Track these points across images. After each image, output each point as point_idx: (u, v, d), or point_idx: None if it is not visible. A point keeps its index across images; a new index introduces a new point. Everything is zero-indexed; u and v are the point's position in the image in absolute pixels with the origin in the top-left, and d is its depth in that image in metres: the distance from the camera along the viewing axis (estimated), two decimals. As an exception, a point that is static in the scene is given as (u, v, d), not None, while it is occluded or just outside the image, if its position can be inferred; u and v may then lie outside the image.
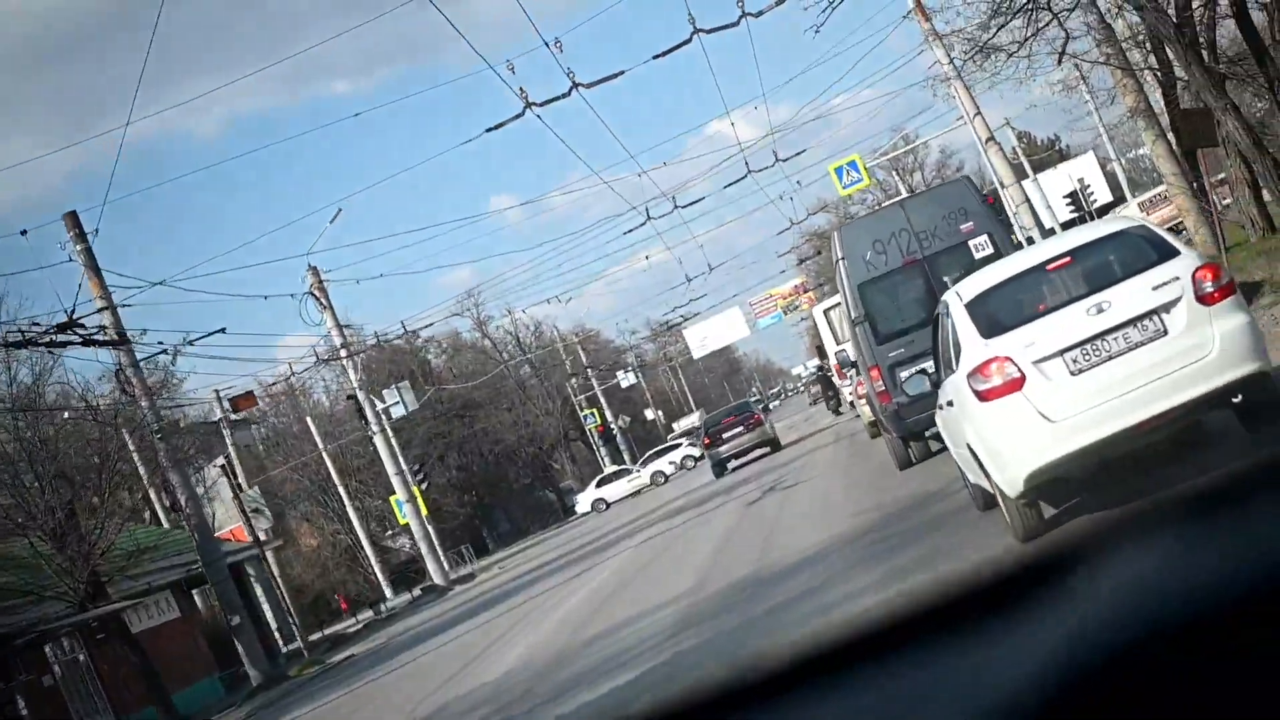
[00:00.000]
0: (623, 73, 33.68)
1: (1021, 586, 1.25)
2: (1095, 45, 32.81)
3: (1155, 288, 10.29)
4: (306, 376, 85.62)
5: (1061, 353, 10.26)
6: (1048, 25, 29.11)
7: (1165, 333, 10.16)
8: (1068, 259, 11.15)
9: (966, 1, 30.08)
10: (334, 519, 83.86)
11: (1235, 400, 10.49)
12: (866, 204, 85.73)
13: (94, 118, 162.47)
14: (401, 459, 56.89)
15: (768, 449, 50.12)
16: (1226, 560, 1.14)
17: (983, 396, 10.49)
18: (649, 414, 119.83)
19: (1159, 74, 32.17)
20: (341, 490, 72.54)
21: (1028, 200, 47.63)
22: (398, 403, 60.23)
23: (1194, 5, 27.27)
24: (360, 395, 56.05)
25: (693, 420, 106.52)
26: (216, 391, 53.33)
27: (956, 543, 12.49)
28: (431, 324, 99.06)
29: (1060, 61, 30.14)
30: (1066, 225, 73.15)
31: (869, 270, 21.26)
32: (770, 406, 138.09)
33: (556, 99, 32.09)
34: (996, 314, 11.01)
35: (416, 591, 59.42)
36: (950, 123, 52.23)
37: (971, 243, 20.76)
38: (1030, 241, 49.19)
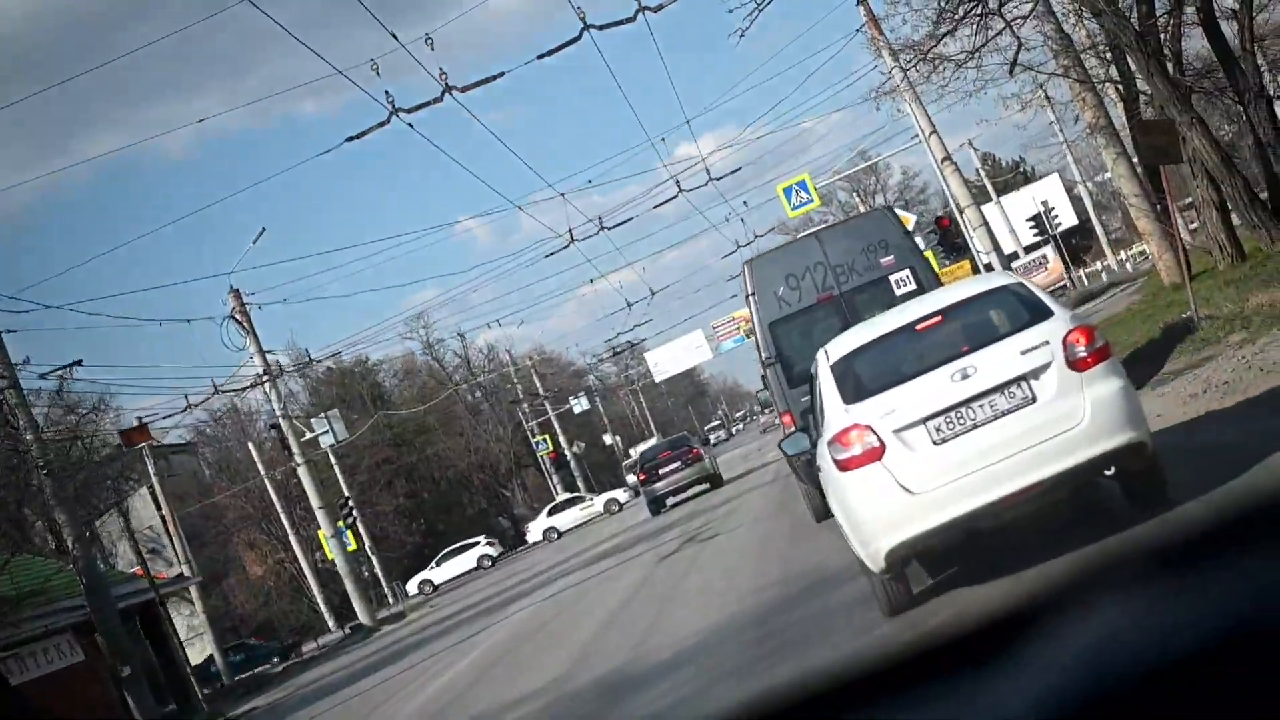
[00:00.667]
0: (502, 74, 30.85)
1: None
2: (1053, 56, 30.13)
3: (1024, 352, 9.93)
4: (239, 401, 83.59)
5: (924, 420, 9.91)
6: (1000, 34, 26.66)
7: (1034, 400, 9.81)
8: (938, 318, 10.77)
9: (914, 9, 27.31)
10: (279, 547, 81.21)
11: (1108, 473, 10.21)
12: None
13: (62, 139, 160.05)
14: (317, 494, 53.70)
15: (707, 485, 46.89)
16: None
17: (842, 466, 10.14)
18: (607, 439, 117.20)
19: (1120, 86, 29.61)
20: (284, 518, 69.57)
21: (985, 224, 45.16)
22: (326, 432, 57.33)
23: (1158, 13, 24.82)
24: (283, 424, 52.90)
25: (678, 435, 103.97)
26: (134, 427, 49.65)
27: (848, 627, 11.37)
28: (358, 346, 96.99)
29: (1012, 72, 27.40)
30: (1030, 248, 71.51)
31: (781, 307, 19.69)
32: (717, 437, 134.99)
33: (427, 104, 29.22)
34: (861, 377, 10.66)
35: (347, 630, 56.51)
36: (909, 142, 49.04)
37: (892, 278, 19.43)
38: (989, 268, 47.63)
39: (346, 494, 60.89)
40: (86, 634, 43.92)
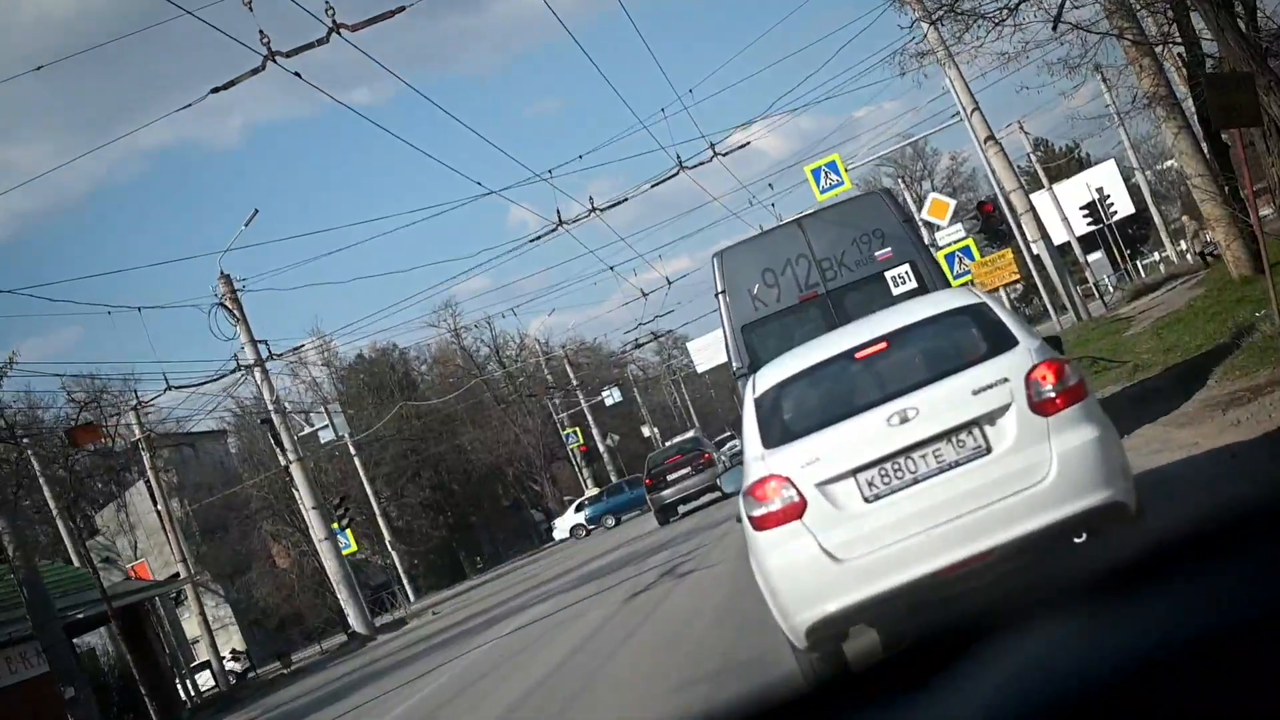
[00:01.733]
0: (401, 9, 26.94)
1: None
2: (1105, 15, 26.15)
3: (978, 391, 8.65)
4: (225, 395, 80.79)
5: (853, 472, 8.67)
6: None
7: (987, 450, 8.55)
8: (882, 344, 9.45)
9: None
10: (302, 539, 78.11)
11: (1078, 539, 8.53)
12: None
13: (111, 125, 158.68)
14: (311, 494, 50.18)
15: (719, 493, 42.93)
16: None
17: (757, 524, 8.90)
18: (646, 430, 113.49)
19: (1182, 49, 25.53)
20: (304, 509, 66.31)
21: (1032, 209, 41.35)
22: (326, 426, 53.81)
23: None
24: (276, 419, 49.38)
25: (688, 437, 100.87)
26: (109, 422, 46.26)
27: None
28: (383, 332, 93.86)
29: (1055, 27, 23.46)
30: (1082, 239, 67.42)
31: (756, 308, 16.42)
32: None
33: (307, 46, 25.50)
34: (785, 416, 9.49)
35: (348, 634, 53.28)
36: (949, 120, 45.09)
37: (889, 274, 16.24)
38: (1036, 260, 43.98)
39: (341, 494, 57.57)
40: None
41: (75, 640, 42.88)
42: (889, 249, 16.05)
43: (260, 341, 48.68)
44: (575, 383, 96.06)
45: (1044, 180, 74.37)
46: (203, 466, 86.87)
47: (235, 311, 48.11)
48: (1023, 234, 41.37)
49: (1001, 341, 9.05)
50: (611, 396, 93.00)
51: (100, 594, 36.39)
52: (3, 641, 35.13)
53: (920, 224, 31.06)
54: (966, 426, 8.59)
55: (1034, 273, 46.55)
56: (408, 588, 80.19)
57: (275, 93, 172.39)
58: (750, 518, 8.91)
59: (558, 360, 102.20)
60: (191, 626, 77.04)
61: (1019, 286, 58.52)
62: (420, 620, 51.25)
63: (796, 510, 8.71)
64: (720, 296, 16.42)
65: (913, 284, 15.71)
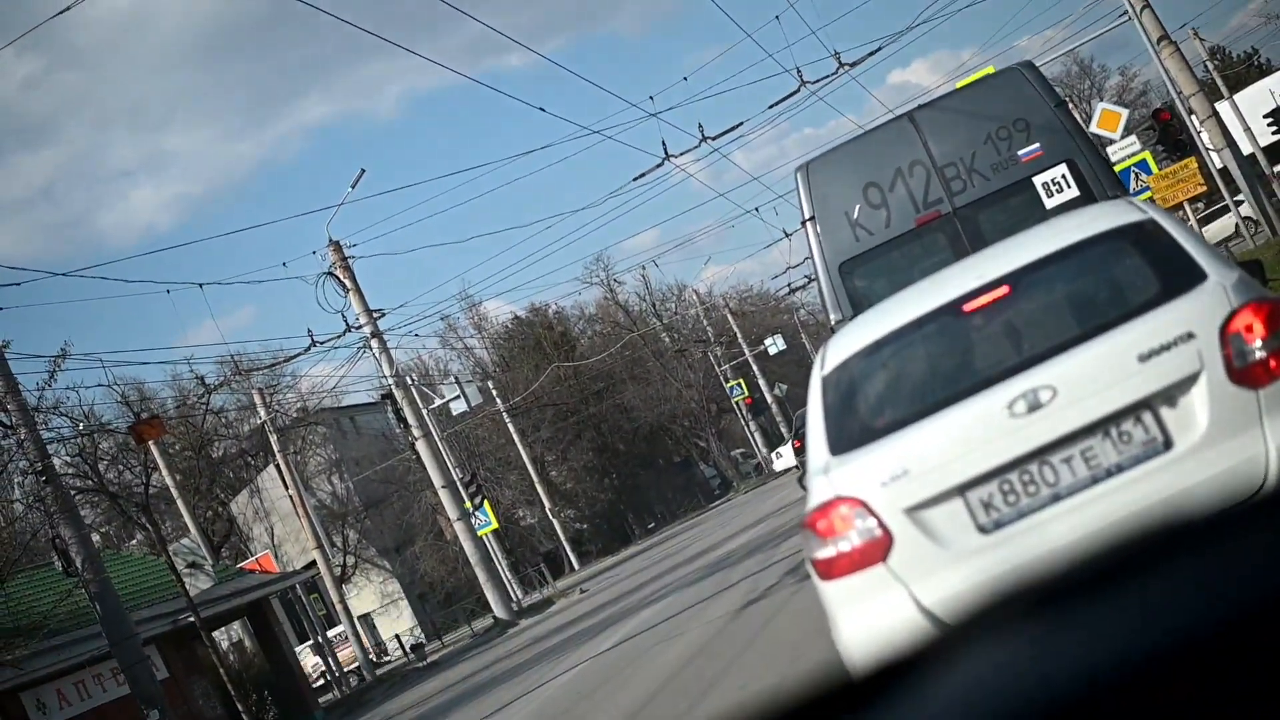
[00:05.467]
0: None
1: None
2: None
3: (1147, 355, 5.85)
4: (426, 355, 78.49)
5: (962, 489, 5.98)
6: None
7: (1167, 445, 5.80)
8: (1001, 290, 6.60)
9: None
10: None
11: None
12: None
13: (268, 107, 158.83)
14: (439, 471, 47.16)
15: None
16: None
17: (822, 570, 6.26)
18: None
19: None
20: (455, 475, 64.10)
21: (1215, 114, 36.97)
22: (457, 397, 50.66)
23: None
24: (397, 393, 46.21)
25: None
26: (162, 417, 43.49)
27: None
28: (537, 294, 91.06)
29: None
30: (1268, 150, 62.05)
31: (857, 237, 12.05)
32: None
33: None
34: (859, 405, 6.76)
35: (488, 620, 50.50)
36: (1118, 20, 40.70)
37: (1039, 180, 11.54)
38: (1223, 172, 39.50)
39: (472, 470, 54.64)
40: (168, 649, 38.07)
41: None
42: (1037, 145, 11.56)
43: (376, 311, 45.51)
44: (737, 332, 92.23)
45: (1223, 89, 68.96)
46: (362, 439, 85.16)
47: (346, 280, 44.93)
48: (1205, 145, 37.28)
49: (1181, 276, 6.28)
50: (775, 345, 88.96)
51: (186, 601, 33.28)
52: (83, 660, 32.54)
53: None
54: (1132, 410, 5.88)
55: (1221, 186, 42.51)
56: (571, 556, 77.83)
57: (427, 62, 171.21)
58: (813, 561, 6.34)
59: (718, 310, 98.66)
60: (362, 602, 75.47)
61: (1202, 204, 53.83)
62: (566, 600, 48.56)
63: (878, 550, 6.15)
64: (808, 225, 12.17)
65: (1073, 191, 11.25)
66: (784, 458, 75.58)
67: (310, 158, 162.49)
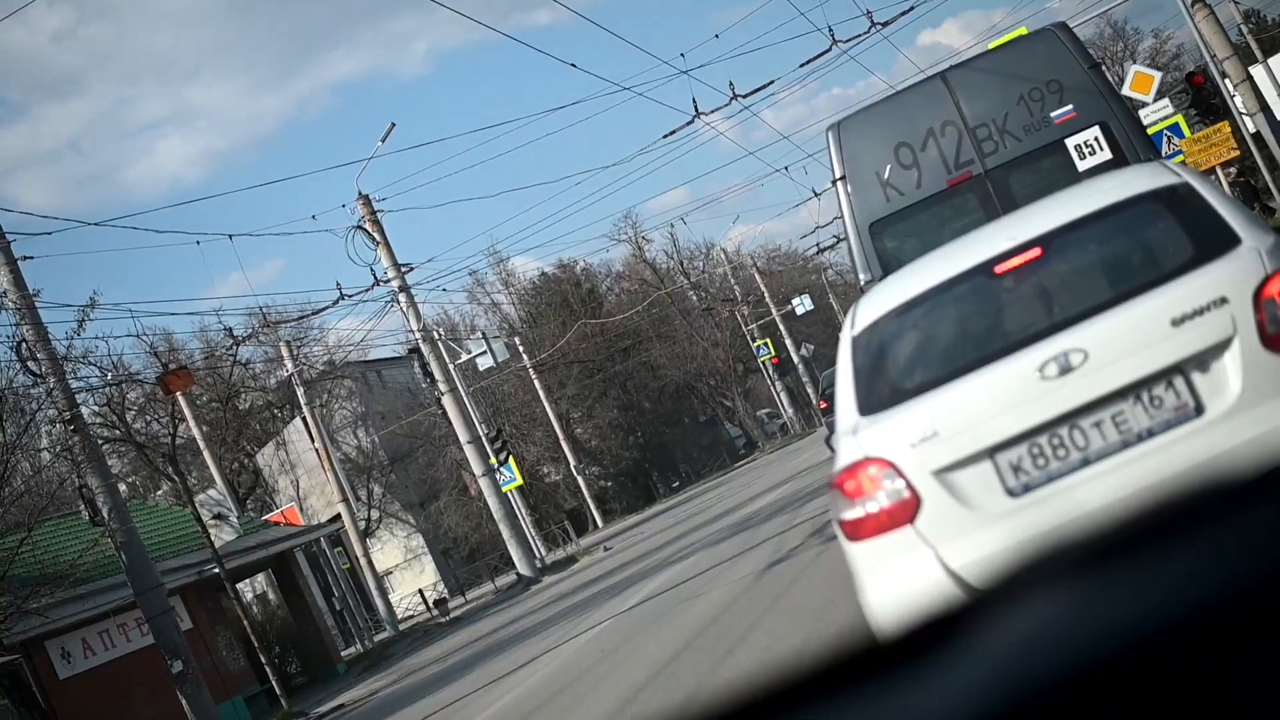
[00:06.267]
0: None
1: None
2: None
3: (1180, 319, 5.85)
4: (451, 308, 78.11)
5: (992, 452, 6.00)
6: None
7: (1198, 411, 5.79)
8: (1033, 251, 6.58)
9: None
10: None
11: None
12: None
13: (295, 61, 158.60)
14: (465, 426, 47.12)
15: None
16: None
17: (849, 530, 6.29)
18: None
19: None
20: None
21: (1249, 78, 36.71)
22: (484, 352, 50.63)
23: None
24: (424, 348, 46.19)
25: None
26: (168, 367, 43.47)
27: None
28: (564, 250, 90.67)
29: None
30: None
31: (888, 198, 12.01)
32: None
33: None
34: (892, 366, 6.80)
35: (511, 577, 50.50)
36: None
37: (1071, 142, 11.43)
38: (1256, 137, 39.18)
39: (497, 425, 54.58)
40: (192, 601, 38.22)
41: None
42: (1070, 106, 11.49)
43: (404, 265, 45.46)
44: (764, 292, 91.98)
45: (1257, 53, 68.40)
46: (388, 393, 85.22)
47: (375, 234, 44.91)
48: (1238, 109, 36.96)
49: (1215, 240, 6.27)
50: (802, 305, 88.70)
51: (211, 552, 33.34)
52: (109, 609, 32.72)
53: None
54: (1164, 375, 5.89)
55: (1254, 151, 42.19)
56: (595, 513, 77.87)
57: (456, 16, 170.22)
58: (840, 522, 6.34)
59: (746, 270, 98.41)
60: (386, 557, 75.64)
61: (1234, 170, 53.49)
62: (590, 559, 48.53)
63: (906, 511, 6.16)
64: (839, 184, 12.10)
65: (1105, 154, 11.14)
66: None
67: (336, 113, 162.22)
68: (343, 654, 45.63)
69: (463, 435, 47.43)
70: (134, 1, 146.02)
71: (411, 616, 58.93)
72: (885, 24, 39.78)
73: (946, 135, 11.70)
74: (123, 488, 46.05)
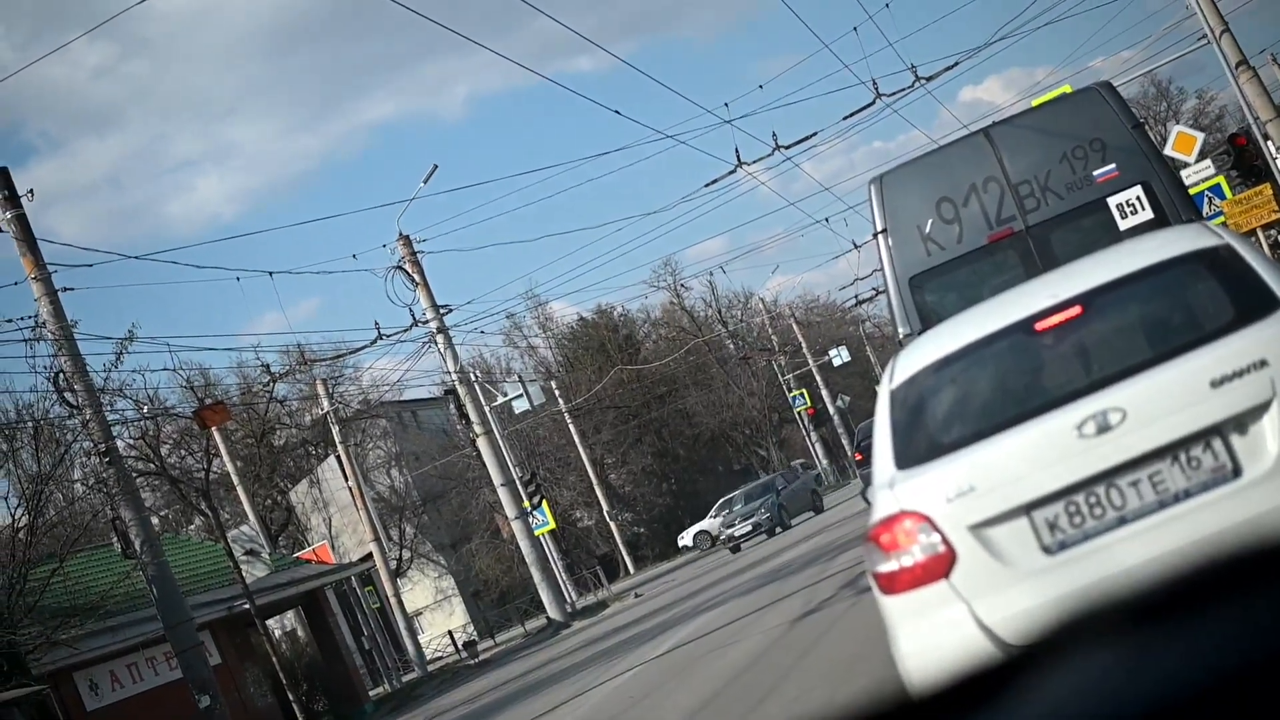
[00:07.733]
0: None
1: None
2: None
3: (1219, 380, 5.81)
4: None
5: (1028, 509, 5.95)
6: None
7: (1236, 473, 5.75)
8: (1074, 310, 6.60)
9: None
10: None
11: None
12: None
13: (332, 102, 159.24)
14: (499, 469, 47.16)
15: None
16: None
17: (884, 584, 6.26)
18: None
19: None
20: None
21: (1293, 141, 36.62)
22: (520, 396, 50.67)
23: None
24: (460, 389, 46.26)
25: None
26: (203, 403, 43.61)
27: None
28: (602, 296, 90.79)
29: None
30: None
31: (929, 252, 12.08)
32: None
33: None
34: (928, 421, 6.78)
35: (541, 621, 50.39)
36: (1196, 44, 40.39)
37: (1113, 201, 11.41)
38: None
39: (531, 469, 54.61)
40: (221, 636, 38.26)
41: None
42: (1113, 165, 11.49)
43: (443, 307, 45.57)
44: (802, 342, 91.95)
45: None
46: (422, 434, 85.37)
47: (415, 274, 45.06)
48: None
49: (1255, 303, 6.30)
50: (839, 356, 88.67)
51: (242, 588, 33.41)
52: (134, 644, 32.82)
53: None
54: (1202, 436, 5.84)
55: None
56: (627, 559, 77.73)
57: (496, 62, 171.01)
58: (875, 574, 6.31)
59: (784, 319, 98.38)
60: (416, 598, 75.68)
61: (1275, 233, 53.37)
62: (621, 604, 48.39)
63: (941, 565, 6.11)
64: (880, 237, 12.14)
65: (1147, 213, 11.14)
66: (685, 538, 75.83)
67: (373, 155, 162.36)
68: (370, 694, 45.58)
69: (497, 478, 47.46)
70: (173, 39, 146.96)
71: (440, 658, 58.83)
72: (929, 79, 39.79)
73: (989, 191, 11.73)
74: (155, 521, 46.25)
